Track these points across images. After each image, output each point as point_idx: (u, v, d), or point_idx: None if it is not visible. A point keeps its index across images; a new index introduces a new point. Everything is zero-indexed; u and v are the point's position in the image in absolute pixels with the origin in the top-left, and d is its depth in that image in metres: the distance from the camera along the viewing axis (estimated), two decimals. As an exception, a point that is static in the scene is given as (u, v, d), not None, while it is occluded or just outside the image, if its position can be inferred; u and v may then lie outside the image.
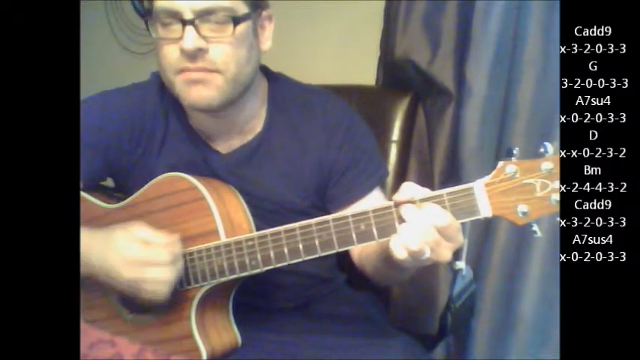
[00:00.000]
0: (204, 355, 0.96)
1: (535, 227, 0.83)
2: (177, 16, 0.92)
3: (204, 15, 0.91)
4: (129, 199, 1.04)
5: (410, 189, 0.84)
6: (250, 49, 0.97)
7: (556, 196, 0.80)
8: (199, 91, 0.95)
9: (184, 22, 0.91)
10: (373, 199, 1.06)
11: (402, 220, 0.83)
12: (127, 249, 0.92)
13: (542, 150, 0.81)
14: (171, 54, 0.94)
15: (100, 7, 2.20)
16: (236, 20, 0.93)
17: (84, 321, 0.96)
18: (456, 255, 0.87)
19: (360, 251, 1.04)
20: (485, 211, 0.83)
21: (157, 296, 0.93)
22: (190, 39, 0.91)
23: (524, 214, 0.82)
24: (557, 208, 0.79)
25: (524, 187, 0.82)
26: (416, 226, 0.81)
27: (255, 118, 1.07)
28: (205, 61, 0.93)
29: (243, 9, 0.94)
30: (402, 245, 0.81)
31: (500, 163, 0.83)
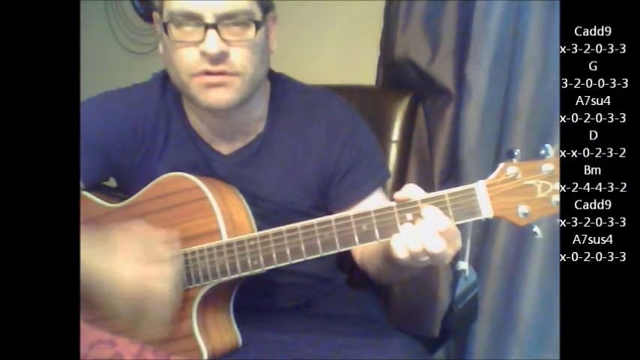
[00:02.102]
0: (205, 354, 0.96)
1: (536, 229, 0.83)
2: (197, 19, 0.91)
3: (225, 18, 0.91)
4: (131, 199, 1.04)
5: (412, 189, 0.85)
6: (264, 51, 0.98)
7: (557, 198, 0.80)
8: (218, 94, 0.95)
9: (207, 26, 0.91)
10: (375, 201, 1.06)
11: (403, 221, 0.84)
12: (128, 248, 0.91)
13: (543, 152, 0.81)
14: (188, 57, 0.93)
15: (100, 7, 2.20)
16: (257, 24, 0.93)
17: (84, 321, 0.96)
18: (458, 255, 0.87)
19: (362, 250, 1.05)
20: (486, 211, 0.83)
21: (162, 298, 0.90)
22: (214, 43, 0.91)
23: (525, 215, 0.82)
24: (557, 210, 0.79)
25: (526, 189, 0.82)
26: (418, 228, 0.82)
27: (257, 119, 1.07)
28: (226, 64, 0.93)
29: (258, 13, 0.95)
30: (403, 246, 0.82)
31: (502, 164, 0.83)
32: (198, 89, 0.95)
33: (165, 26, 0.94)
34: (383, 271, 1.01)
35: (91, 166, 1.06)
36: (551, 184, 0.81)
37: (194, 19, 0.92)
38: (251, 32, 0.93)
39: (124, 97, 1.09)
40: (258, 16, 0.95)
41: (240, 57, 0.93)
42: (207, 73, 0.93)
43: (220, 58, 0.92)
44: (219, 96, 0.95)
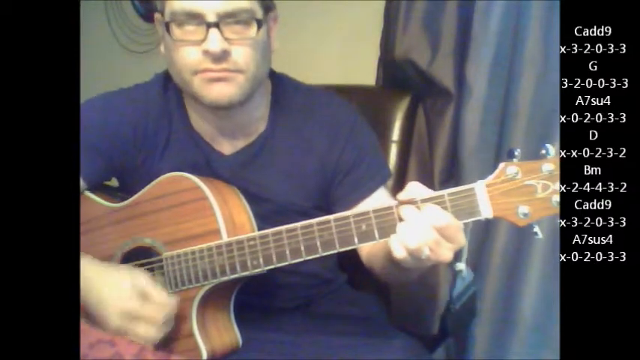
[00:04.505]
0: (205, 354, 0.96)
1: (536, 229, 0.83)
2: (199, 18, 0.92)
3: (227, 17, 0.92)
4: (132, 199, 1.04)
5: (415, 188, 0.85)
6: (265, 50, 0.99)
7: (557, 198, 0.80)
8: (221, 89, 0.95)
9: (208, 25, 0.91)
10: (378, 200, 1.06)
11: (402, 220, 0.83)
12: (123, 300, 0.92)
13: (543, 151, 0.81)
14: (190, 55, 0.94)
15: (100, 7, 2.20)
16: (259, 22, 0.94)
17: (84, 321, 0.96)
18: (457, 256, 0.87)
19: (368, 252, 1.04)
20: (486, 211, 0.83)
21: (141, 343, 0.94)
22: (216, 41, 0.91)
23: (525, 215, 0.82)
24: (558, 210, 0.79)
25: (526, 189, 0.82)
26: (414, 225, 0.81)
27: (258, 119, 1.07)
28: (228, 62, 0.93)
29: (259, 11, 0.95)
30: (400, 244, 0.81)
31: (502, 164, 0.83)
32: (201, 85, 0.95)
33: (167, 26, 0.94)
34: (389, 272, 1.00)
35: (93, 166, 1.06)
36: (552, 184, 0.80)
37: (196, 18, 0.92)
38: (253, 30, 0.94)
39: (125, 97, 1.09)
40: (260, 14, 0.95)
41: (243, 55, 0.94)
42: (210, 70, 0.94)
43: (222, 56, 0.92)
44: (222, 90, 0.95)
